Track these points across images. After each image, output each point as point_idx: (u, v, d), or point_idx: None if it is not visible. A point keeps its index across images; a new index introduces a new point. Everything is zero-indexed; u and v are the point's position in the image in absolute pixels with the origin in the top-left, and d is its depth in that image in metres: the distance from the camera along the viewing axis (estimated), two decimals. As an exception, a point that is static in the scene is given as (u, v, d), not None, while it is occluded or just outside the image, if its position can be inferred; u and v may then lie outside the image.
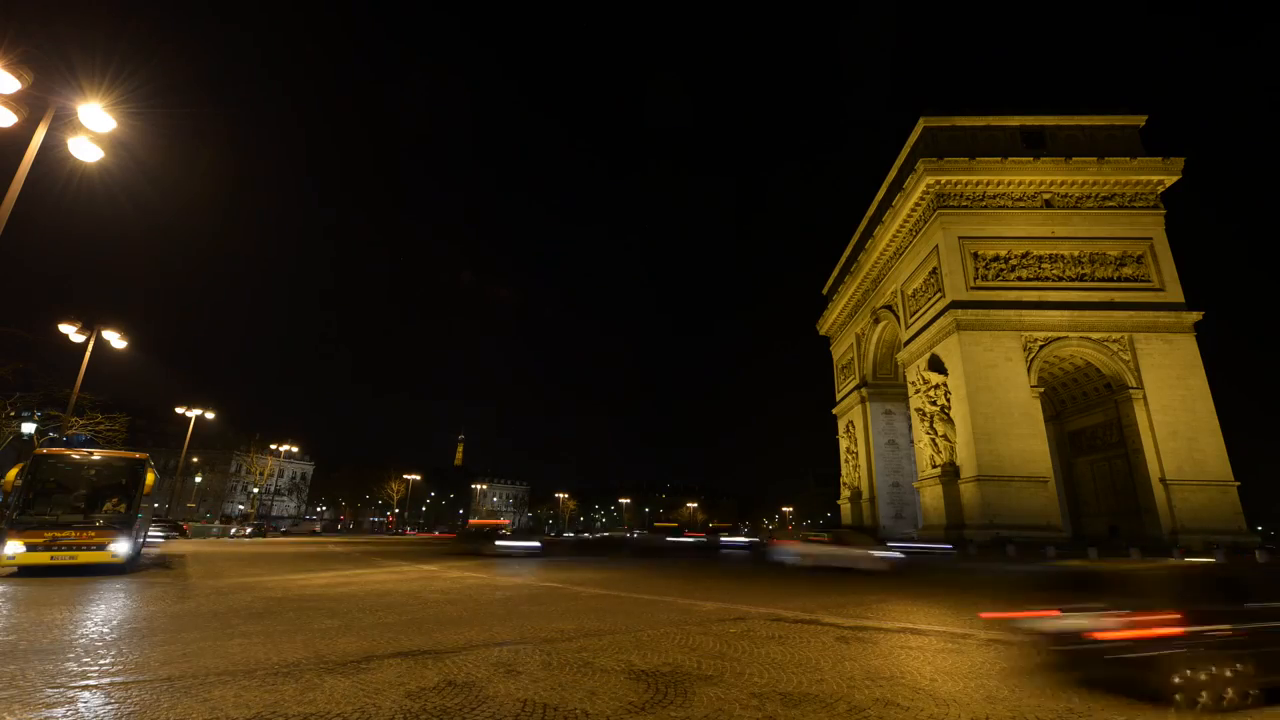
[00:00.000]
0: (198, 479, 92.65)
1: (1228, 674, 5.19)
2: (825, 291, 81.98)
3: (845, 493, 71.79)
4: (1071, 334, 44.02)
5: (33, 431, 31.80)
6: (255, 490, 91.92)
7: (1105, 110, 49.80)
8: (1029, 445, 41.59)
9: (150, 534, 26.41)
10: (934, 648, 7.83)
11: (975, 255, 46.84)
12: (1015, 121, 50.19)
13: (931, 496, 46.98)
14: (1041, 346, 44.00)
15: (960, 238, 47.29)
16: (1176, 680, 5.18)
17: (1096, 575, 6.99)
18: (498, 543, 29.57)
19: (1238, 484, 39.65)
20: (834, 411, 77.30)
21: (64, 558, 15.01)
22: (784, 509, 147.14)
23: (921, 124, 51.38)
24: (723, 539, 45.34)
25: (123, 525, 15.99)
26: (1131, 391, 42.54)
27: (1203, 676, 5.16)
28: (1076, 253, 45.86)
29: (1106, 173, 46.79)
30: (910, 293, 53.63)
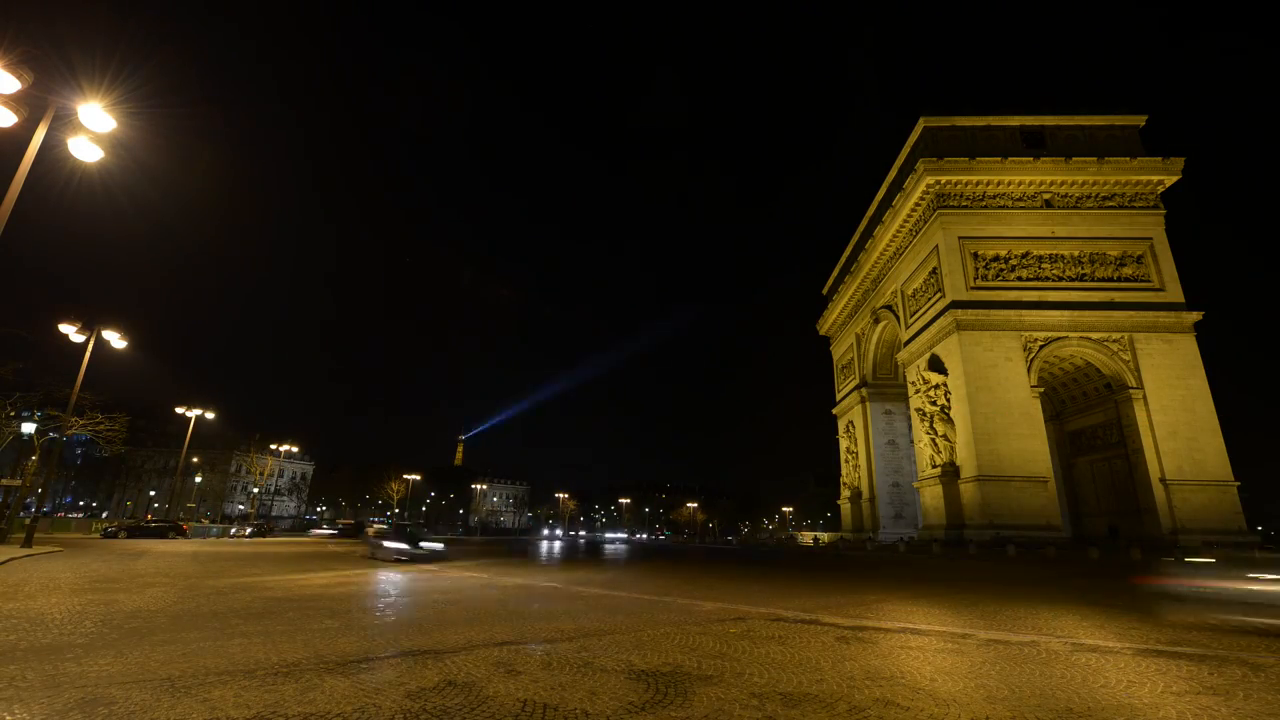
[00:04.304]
0: (198, 479, 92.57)
1: None
2: (825, 291, 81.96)
3: (845, 493, 71.75)
4: (1071, 334, 43.98)
5: (33, 431, 31.79)
6: (255, 490, 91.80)
7: (1105, 110, 49.76)
8: (1029, 445, 41.55)
9: None
10: (934, 648, 7.83)
11: (975, 255, 46.81)
12: (1015, 121, 50.17)
13: (931, 496, 46.95)
14: (1041, 346, 43.96)
15: (960, 238, 47.25)
16: None
17: None
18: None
19: (1238, 484, 39.61)
20: (834, 411, 77.26)
21: None
22: (784, 509, 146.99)
23: (921, 124, 51.36)
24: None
25: None
26: (1131, 391, 42.51)
27: None
28: (1076, 253, 45.83)
29: (1106, 173, 46.77)
30: (910, 293, 53.60)
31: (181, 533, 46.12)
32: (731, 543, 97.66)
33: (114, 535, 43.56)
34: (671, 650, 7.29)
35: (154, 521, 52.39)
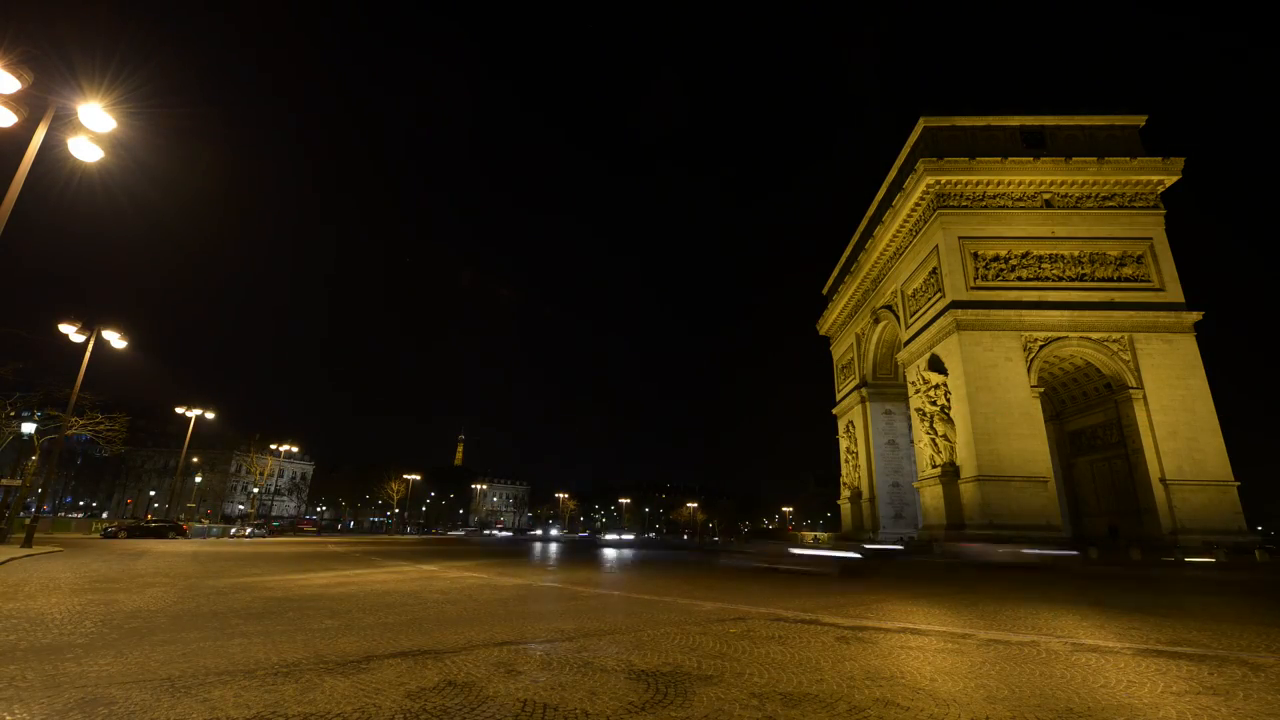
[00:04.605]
0: (198, 479, 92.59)
1: None
2: (825, 291, 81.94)
3: (845, 493, 71.73)
4: (1071, 334, 43.97)
5: (33, 431, 31.81)
6: (255, 490, 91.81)
7: (1105, 110, 49.74)
8: (1029, 445, 41.54)
9: None
10: (934, 648, 7.82)
11: (975, 255, 46.81)
12: (1015, 121, 50.16)
13: (931, 496, 46.94)
14: (1041, 346, 43.96)
15: (960, 238, 47.25)
16: None
17: None
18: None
19: (1238, 484, 39.60)
20: (834, 412, 77.23)
21: None
22: (784, 509, 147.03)
23: (921, 124, 51.36)
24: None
25: None
26: (1131, 391, 42.50)
27: None
28: (1076, 253, 45.83)
29: (1106, 173, 46.77)
30: (910, 293, 53.60)
31: (181, 533, 46.14)
32: (732, 543, 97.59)
33: (114, 535, 43.57)
34: (671, 650, 7.29)
35: (154, 521, 52.40)
